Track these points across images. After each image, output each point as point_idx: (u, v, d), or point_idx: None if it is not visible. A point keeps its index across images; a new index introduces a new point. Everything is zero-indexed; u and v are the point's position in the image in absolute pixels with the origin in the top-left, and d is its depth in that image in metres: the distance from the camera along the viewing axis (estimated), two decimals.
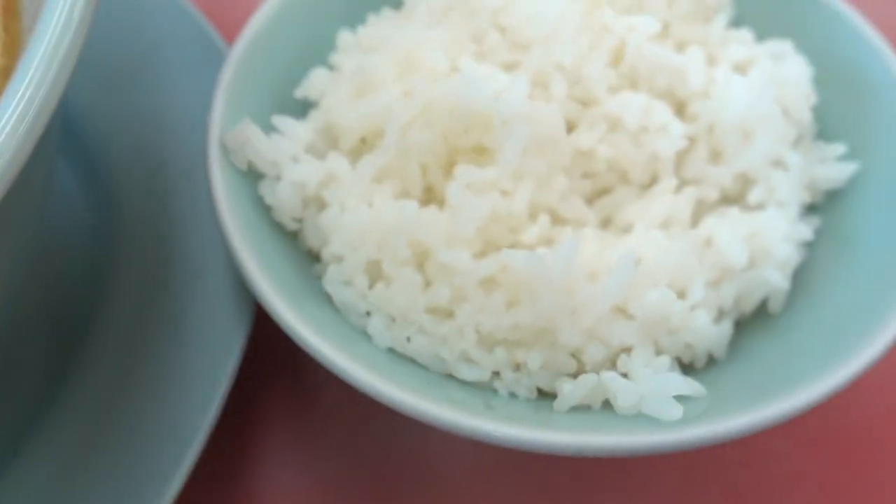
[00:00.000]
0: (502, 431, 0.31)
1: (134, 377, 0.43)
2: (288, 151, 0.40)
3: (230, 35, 0.52)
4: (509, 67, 0.43)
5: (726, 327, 0.38)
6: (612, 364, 0.36)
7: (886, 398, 0.48)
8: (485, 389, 0.37)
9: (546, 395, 0.37)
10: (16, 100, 0.25)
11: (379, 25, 0.46)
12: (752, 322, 0.40)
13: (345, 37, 0.47)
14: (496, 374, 0.37)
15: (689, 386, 0.34)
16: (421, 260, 0.37)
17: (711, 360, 0.39)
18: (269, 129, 0.42)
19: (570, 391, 0.35)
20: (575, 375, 0.36)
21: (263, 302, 0.35)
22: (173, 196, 0.48)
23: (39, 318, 0.47)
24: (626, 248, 0.36)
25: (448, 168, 0.40)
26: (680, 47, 0.44)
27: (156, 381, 0.43)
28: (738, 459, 0.46)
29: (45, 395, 0.43)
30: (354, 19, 0.48)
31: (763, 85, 0.41)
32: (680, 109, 0.43)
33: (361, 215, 0.37)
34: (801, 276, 0.41)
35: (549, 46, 0.41)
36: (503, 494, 0.44)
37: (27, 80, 0.25)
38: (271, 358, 0.47)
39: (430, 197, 0.40)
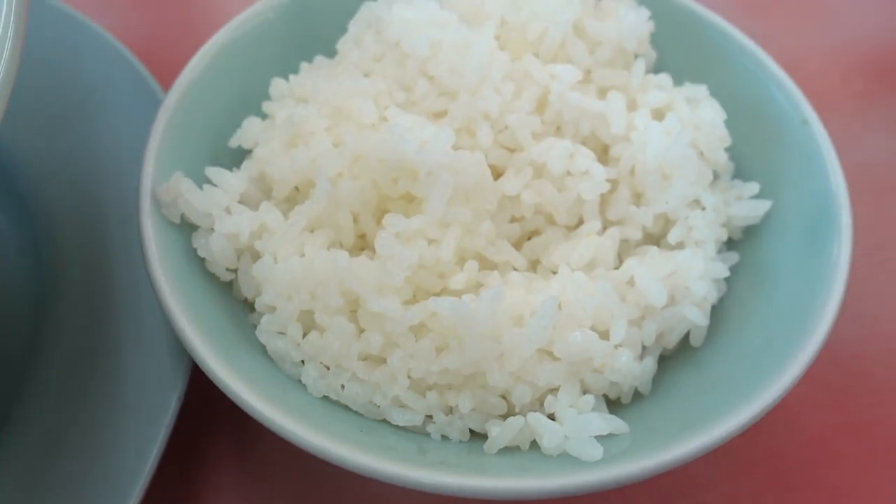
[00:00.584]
0: (431, 479, 0.32)
1: (71, 430, 0.43)
2: (221, 203, 0.41)
3: (167, 79, 0.52)
4: (438, 115, 0.44)
5: (650, 363, 0.40)
6: (540, 404, 0.38)
7: (810, 420, 0.50)
8: (418, 433, 0.38)
9: (478, 436, 0.38)
10: None
11: (311, 74, 0.47)
12: (675, 356, 0.42)
13: (278, 85, 0.48)
14: (429, 417, 0.38)
15: (610, 424, 0.36)
16: (353, 308, 0.38)
17: (638, 395, 0.40)
18: (202, 178, 0.43)
19: (498, 434, 0.36)
20: (505, 416, 0.37)
21: (194, 355, 0.36)
22: (110, 242, 0.48)
23: None
24: (548, 293, 0.37)
25: (379, 215, 0.41)
26: (602, 93, 0.46)
27: (93, 433, 0.43)
28: (674, 487, 0.47)
29: None
30: (288, 67, 0.49)
31: (679, 130, 0.42)
32: (604, 152, 0.45)
33: (294, 266, 0.38)
34: (720, 310, 0.43)
35: (475, 95, 0.43)
36: None
37: None
38: (214, 400, 0.47)
39: (364, 243, 0.41)
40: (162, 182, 0.41)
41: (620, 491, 0.47)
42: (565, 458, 0.35)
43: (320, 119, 0.43)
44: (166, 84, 0.50)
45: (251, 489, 0.45)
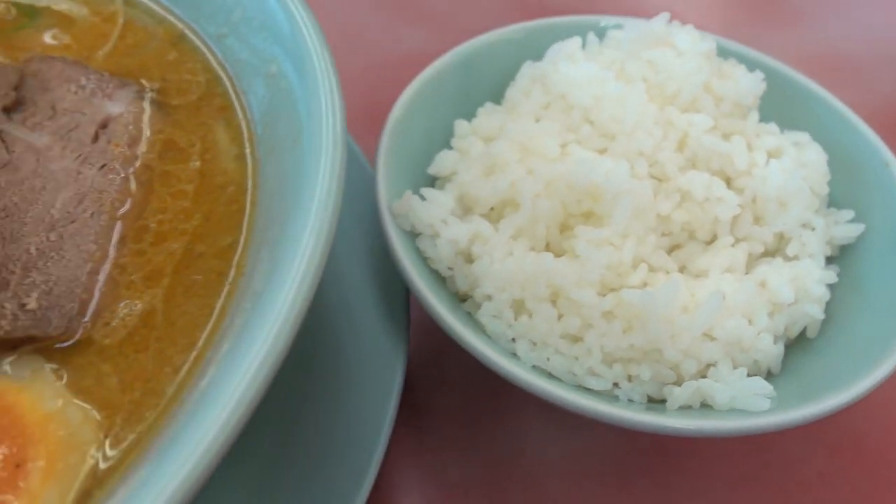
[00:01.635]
0: (641, 419, 0.43)
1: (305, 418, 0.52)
2: (438, 216, 0.52)
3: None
4: (600, 152, 0.55)
5: (780, 348, 0.50)
6: (701, 375, 0.48)
7: (890, 412, 0.60)
8: (608, 396, 0.48)
9: (654, 401, 0.48)
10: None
11: (490, 117, 0.59)
12: (795, 345, 0.53)
13: (461, 125, 0.59)
14: (616, 384, 0.48)
15: (765, 388, 0.46)
16: (555, 298, 0.49)
17: (769, 374, 0.51)
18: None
19: (678, 394, 0.47)
20: (675, 384, 0.48)
21: (443, 323, 0.46)
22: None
23: None
24: (711, 288, 0.48)
25: (563, 228, 0.52)
26: (726, 137, 0.57)
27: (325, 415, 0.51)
28: (779, 462, 0.57)
29: None
30: (459, 110, 0.61)
31: (793, 168, 0.54)
32: (729, 184, 0.56)
33: (507, 264, 0.49)
34: (828, 310, 0.53)
35: (632, 137, 0.54)
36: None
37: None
38: None
39: (549, 248, 0.52)
40: (391, 200, 0.52)
41: (728, 463, 0.57)
42: (732, 412, 0.46)
43: (511, 153, 0.54)
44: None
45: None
